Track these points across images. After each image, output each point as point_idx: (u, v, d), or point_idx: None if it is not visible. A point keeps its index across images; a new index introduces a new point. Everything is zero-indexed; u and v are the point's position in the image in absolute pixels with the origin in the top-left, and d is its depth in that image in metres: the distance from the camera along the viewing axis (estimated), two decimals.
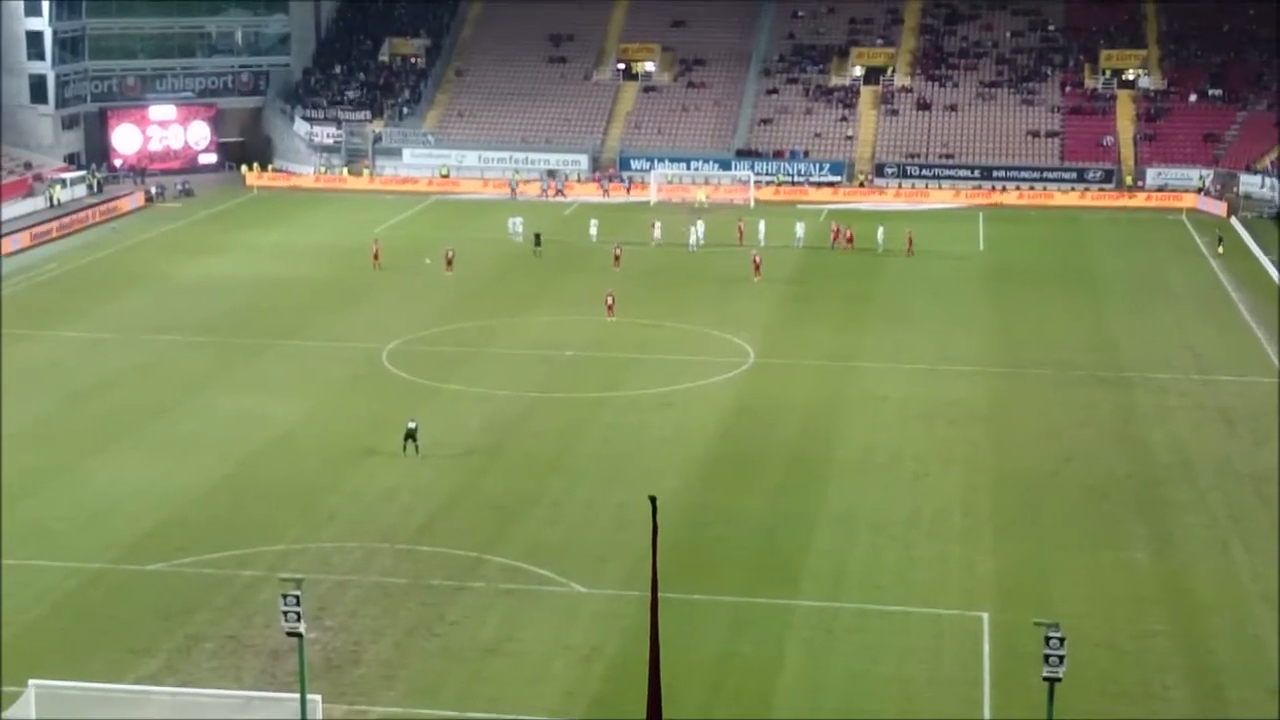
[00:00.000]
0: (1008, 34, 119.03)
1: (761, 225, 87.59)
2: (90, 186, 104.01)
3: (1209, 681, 36.42)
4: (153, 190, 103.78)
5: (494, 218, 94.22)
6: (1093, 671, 36.17)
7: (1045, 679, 29.82)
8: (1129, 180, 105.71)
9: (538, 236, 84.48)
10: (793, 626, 38.91)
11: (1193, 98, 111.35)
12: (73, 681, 33.50)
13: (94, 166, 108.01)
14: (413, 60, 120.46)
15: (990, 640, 38.14)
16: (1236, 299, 75.17)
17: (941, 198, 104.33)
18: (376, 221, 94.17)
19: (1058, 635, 29.50)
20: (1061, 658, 29.49)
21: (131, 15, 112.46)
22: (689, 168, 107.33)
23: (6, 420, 55.09)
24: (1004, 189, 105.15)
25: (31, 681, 32.17)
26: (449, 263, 79.94)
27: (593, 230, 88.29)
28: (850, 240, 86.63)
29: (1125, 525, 46.02)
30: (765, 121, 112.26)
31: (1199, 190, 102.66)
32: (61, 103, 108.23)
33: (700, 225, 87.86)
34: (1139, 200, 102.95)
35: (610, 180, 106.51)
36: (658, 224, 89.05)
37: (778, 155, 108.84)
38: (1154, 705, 35.28)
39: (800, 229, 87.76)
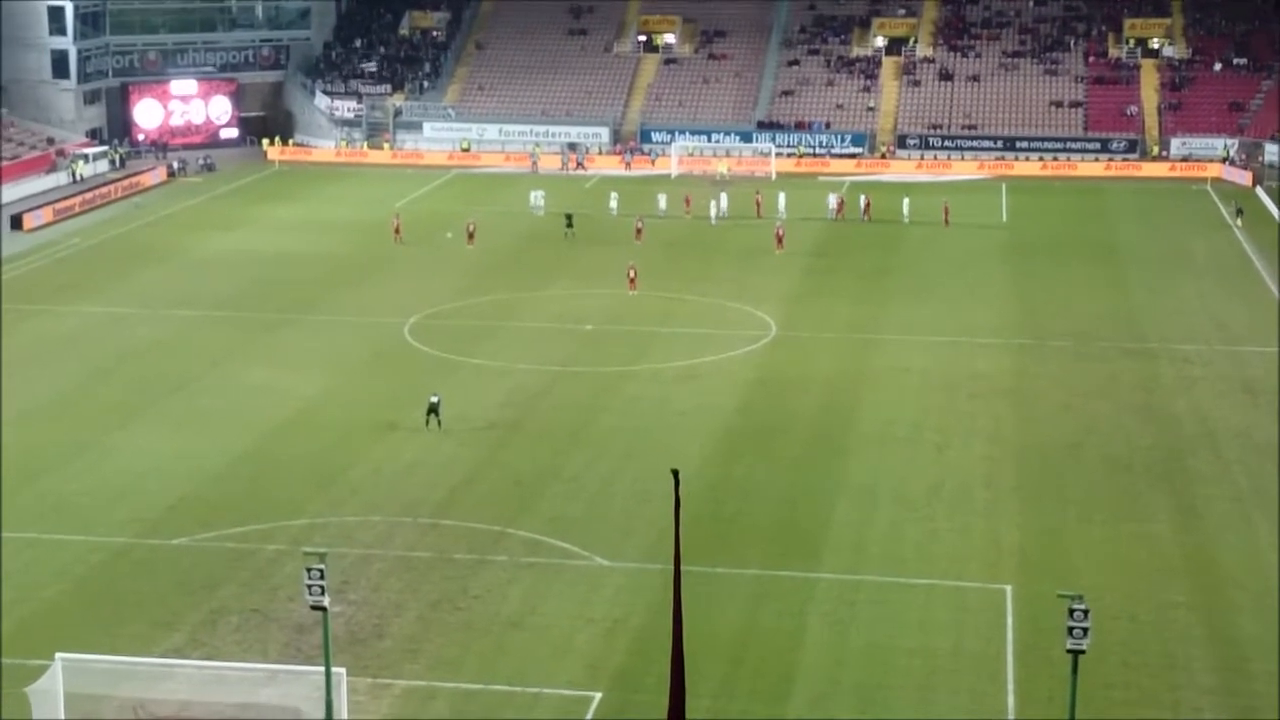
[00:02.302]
0: (1030, 3, 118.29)
1: (782, 197, 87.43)
2: (112, 162, 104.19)
3: (1232, 653, 36.33)
4: (174, 165, 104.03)
5: (515, 191, 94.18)
6: (1115, 643, 36.11)
7: (1069, 651, 29.75)
8: (1153, 150, 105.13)
9: (569, 217, 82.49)
10: (815, 599, 38.92)
11: (1217, 66, 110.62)
12: (99, 655, 33.77)
13: (116, 142, 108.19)
14: (433, 34, 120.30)
15: (1013, 613, 38.08)
16: (1261, 269, 74.79)
17: (964, 169, 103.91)
18: (397, 195, 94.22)
19: (1081, 607, 29.43)
20: (1085, 630, 29.42)
21: None
22: (710, 140, 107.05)
23: (29, 395, 55.36)
24: (1027, 160, 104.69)
25: (58, 655, 32.34)
26: (470, 236, 79.94)
27: (613, 203, 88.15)
28: (868, 210, 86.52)
29: (1148, 497, 45.91)
30: (786, 93, 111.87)
31: (1224, 160, 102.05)
32: (83, 78, 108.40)
33: (724, 198, 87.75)
34: (1163, 170, 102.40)
35: (633, 153, 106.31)
36: (662, 196, 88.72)
37: (799, 127, 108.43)
38: (1176, 677, 35.22)
39: (832, 200, 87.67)
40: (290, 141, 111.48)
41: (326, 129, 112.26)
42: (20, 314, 66.42)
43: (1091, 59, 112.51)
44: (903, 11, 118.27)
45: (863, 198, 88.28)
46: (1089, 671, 31.76)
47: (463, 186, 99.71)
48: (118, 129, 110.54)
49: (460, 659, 35.92)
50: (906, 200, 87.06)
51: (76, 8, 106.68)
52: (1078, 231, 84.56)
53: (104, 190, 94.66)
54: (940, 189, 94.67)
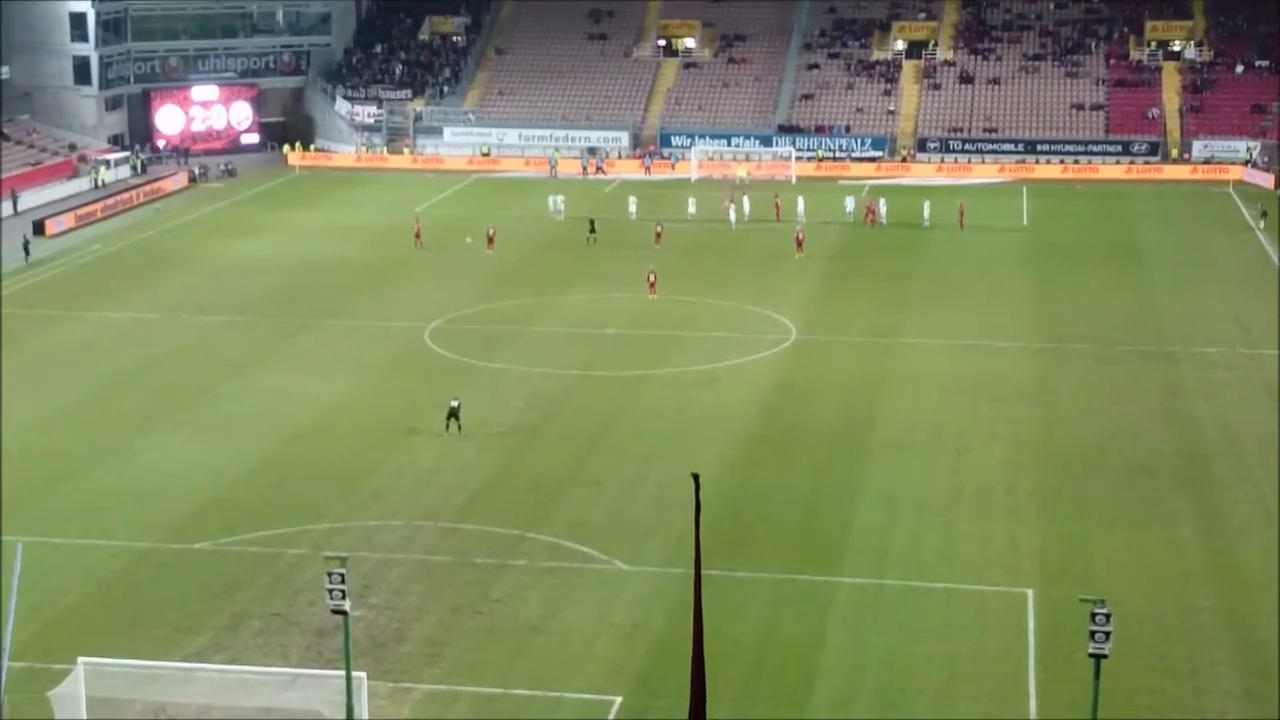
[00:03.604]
0: (1051, 6, 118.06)
1: (801, 201, 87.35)
2: (134, 167, 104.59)
3: (1256, 658, 36.16)
4: (196, 171, 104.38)
5: (535, 196, 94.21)
6: (1139, 648, 35.96)
7: (1091, 656, 29.67)
8: (1174, 153, 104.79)
9: (592, 222, 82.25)
10: (835, 604, 38.86)
11: (1239, 69, 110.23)
12: (121, 659, 33.84)
13: (138, 147, 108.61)
14: (453, 39, 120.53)
15: (1035, 617, 37.97)
16: None
17: (985, 172, 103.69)
18: (418, 200, 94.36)
19: (1103, 612, 29.33)
20: (1107, 634, 29.33)
21: None
22: (730, 144, 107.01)
23: (52, 401, 55.57)
24: (1048, 163, 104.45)
25: (80, 659, 32.43)
26: (490, 241, 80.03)
27: (631, 208, 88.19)
28: (874, 215, 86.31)
29: (1171, 501, 45.72)
30: (806, 97, 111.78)
31: (1246, 162, 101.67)
32: (105, 84, 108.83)
33: (746, 201, 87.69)
34: (1185, 173, 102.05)
35: (653, 157, 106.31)
36: (692, 200, 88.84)
37: (819, 131, 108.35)
38: (1201, 682, 35.08)
39: (850, 204, 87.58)
40: (311, 147, 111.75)
41: (347, 134, 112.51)
42: (43, 319, 66.71)
43: (1112, 61, 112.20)
44: (923, 15, 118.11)
45: (882, 201, 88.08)
46: (1112, 676, 31.61)
47: (483, 191, 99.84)
48: (139, 135, 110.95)
49: (481, 663, 35.94)
50: (927, 204, 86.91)
51: (98, 14, 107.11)
52: (1099, 234, 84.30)
53: (126, 196, 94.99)
54: (961, 192, 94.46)
